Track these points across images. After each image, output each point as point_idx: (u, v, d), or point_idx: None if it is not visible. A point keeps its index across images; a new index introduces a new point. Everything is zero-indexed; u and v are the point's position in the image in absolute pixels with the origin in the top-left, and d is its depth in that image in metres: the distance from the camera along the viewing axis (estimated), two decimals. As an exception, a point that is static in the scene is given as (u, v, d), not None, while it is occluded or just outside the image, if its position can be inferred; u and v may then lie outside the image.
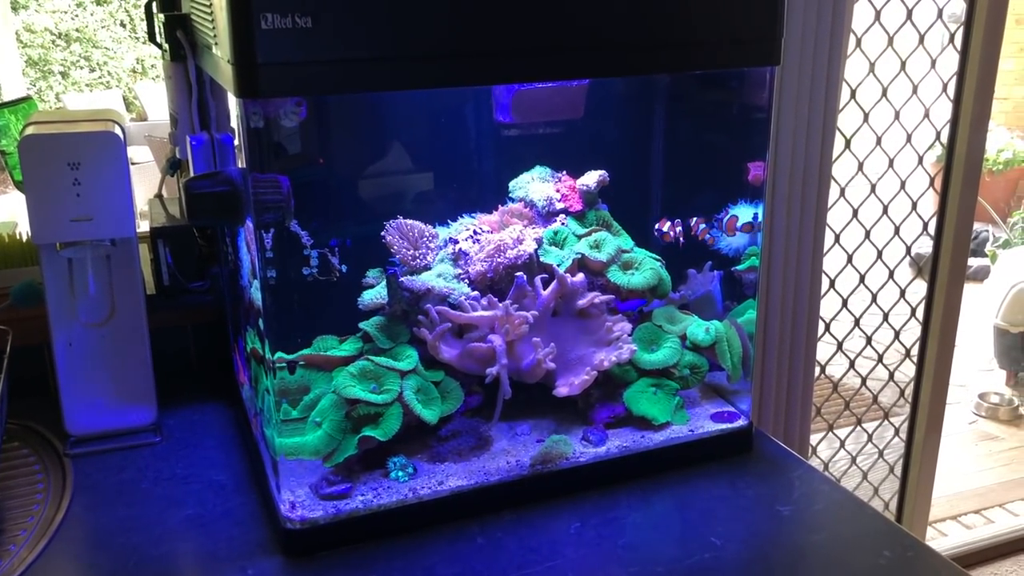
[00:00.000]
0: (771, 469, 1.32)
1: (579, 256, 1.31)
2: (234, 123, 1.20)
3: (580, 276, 1.29)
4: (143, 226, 1.54)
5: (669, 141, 1.45)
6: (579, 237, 1.33)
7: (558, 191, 1.35)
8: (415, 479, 1.20)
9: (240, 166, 1.12)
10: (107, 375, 1.37)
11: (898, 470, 2.61)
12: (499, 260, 1.26)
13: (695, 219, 1.40)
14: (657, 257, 1.36)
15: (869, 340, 2.45)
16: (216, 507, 1.23)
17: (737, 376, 1.35)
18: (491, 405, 1.28)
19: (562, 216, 1.35)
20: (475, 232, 1.30)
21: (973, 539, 2.80)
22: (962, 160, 2.28)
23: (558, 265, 1.29)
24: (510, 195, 1.38)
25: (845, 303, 2.36)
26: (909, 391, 2.54)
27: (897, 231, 2.40)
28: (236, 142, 1.28)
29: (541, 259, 1.30)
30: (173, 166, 1.50)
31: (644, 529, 1.18)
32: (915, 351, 2.50)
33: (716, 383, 1.42)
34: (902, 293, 2.46)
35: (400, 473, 1.20)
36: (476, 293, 1.27)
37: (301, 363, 1.24)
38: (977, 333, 4.27)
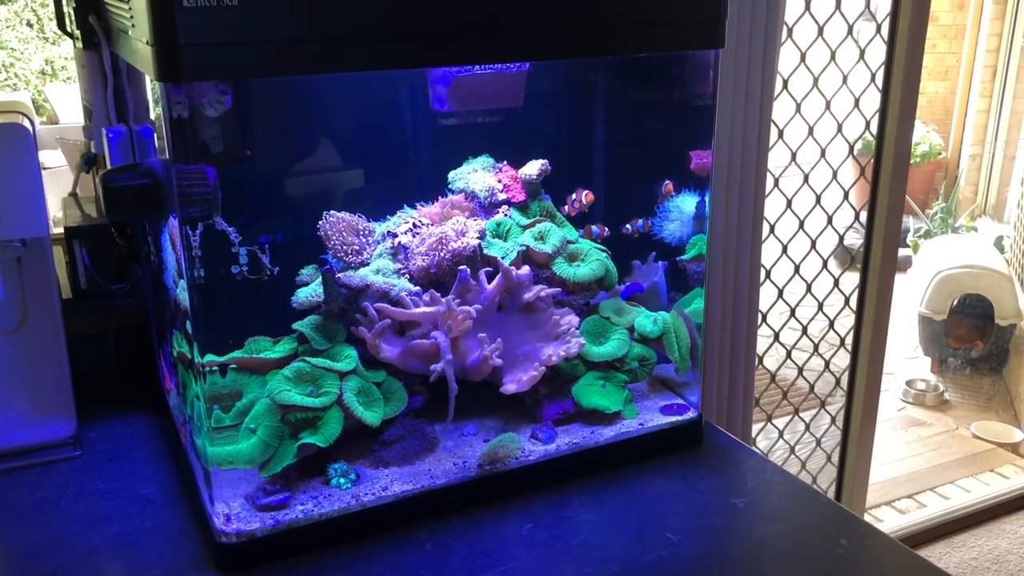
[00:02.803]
0: (723, 461, 1.29)
1: (524, 248, 1.27)
2: (154, 113, 1.13)
3: (525, 269, 1.25)
4: (59, 230, 1.44)
5: (612, 130, 1.41)
6: (523, 228, 1.29)
7: (500, 181, 1.30)
8: (358, 486, 1.14)
9: (162, 157, 1.04)
10: (20, 386, 1.28)
11: (835, 458, 2.63)
12: (441, 254, 1.21)
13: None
14: (603, 248, 1.33)
15: (805, 330, 2.47)
16: (144, 523, 1.15)
17: (685, 368, 1.33)
18: (436, 405, 1.23)
19: (505, 207, 1.31)
20: (415, 225, 1.25)
21: (908, 523, 2.85)
22: (891, 153, 2.31)
23: (502, 258, 1.24)
24: (450, 186, 1.33)
25: (781, 293, 2.37)
26: (844, 380, 2.56)
27: (830, 220, 2.42)
28: (157, 134, 1.21)
29: (484, 252, 1.25)
30: (88, 162, 1.41)
31: (598, 527, 1.14)
32: (849, 340, 2.52)
33: (664, 376, 1.39)
34: (836, 283, 2.49)
35: (342, 480, 1.14)
36: (417, 288, 1.21)
37: (232, 366, 1.17)
38: (902, 321, 4.37)
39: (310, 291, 1.19)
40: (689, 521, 1.15)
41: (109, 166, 1.23)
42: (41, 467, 1.28)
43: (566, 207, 1.34)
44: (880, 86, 2.31)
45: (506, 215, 1.30)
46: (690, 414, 1.32)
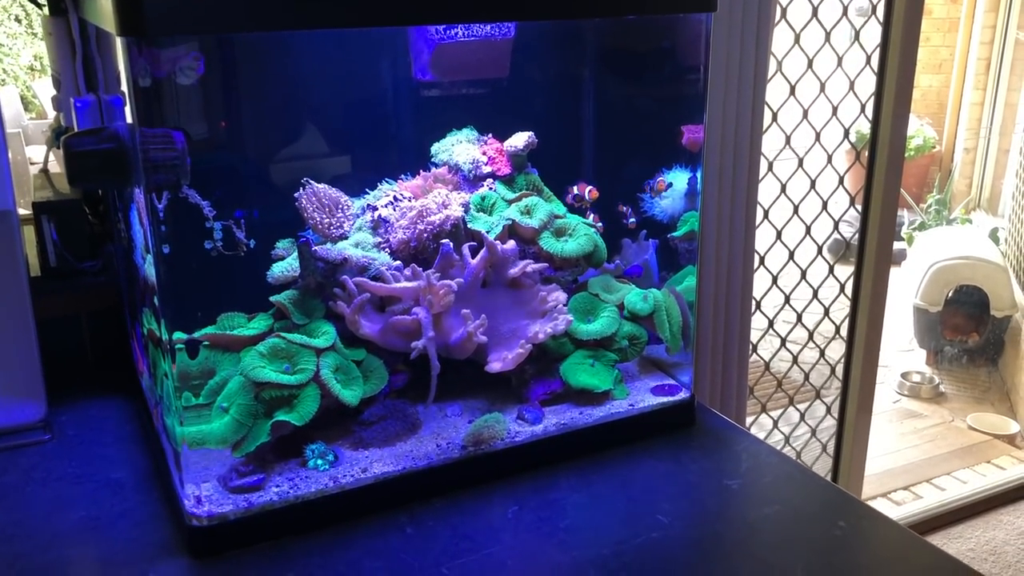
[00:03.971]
0: (715, 443, 1.25)
1: (509, 222, 1.22)
2: (124, 77, 1.08)
3: (511, 243, 1.20)
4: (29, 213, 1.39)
5: (601, 102, 1.37)
6: (508, 202, 1.24)
7: (485, 154, 1.25)
8: (336, 467, 1.09)
9: (128, 122, 1.00)
10: (-14, 367, 1.23)
11: (831, 448, 2.59)
12: (422, 227, 1.16)
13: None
14: (591, 223, 1.28)
15: (800, 318, 2.43)
16: (113, 507, 1.10)
17: (677, 347, 1.28)
18: (418, 385, 1.18)
19: (490, 180, 1.26)
20: (396, 198, 1.20)
21: (904, 515, 2.81)
22: (886, 145, 2.27)
23: (487, 232, 1.19)
24: (432, 159, 1.28)
25: (775, 280, 2.33)
26: (839, 370, 2.52)
27: (825, 206, 2.37)
28: (127, 103, 1.16)
29: (468, 226, 1.21)
30: (59, 135, 1.36)
31: (586, 510, 1.09)
32: (844, 330, 2.48)
33: (654, 356, 1.35)
34: (831, 270, 2.44)
35: (319, 461, 1.09)
36: (398, 263, 1.17)
37: (204, 343, 1.12)
38: (897, 314, 4.34)
39: (286, 265, 1.15)
40: (681, 503, 1.11)
41: (77, 137, 1.18)
42: (8, 451, 1.23)
43: (566, 199, 1.29)
44: (875, 69, 2.27)
45: (491, 189, 1.25)
46: (682, 395, 1.28)
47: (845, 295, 2.47)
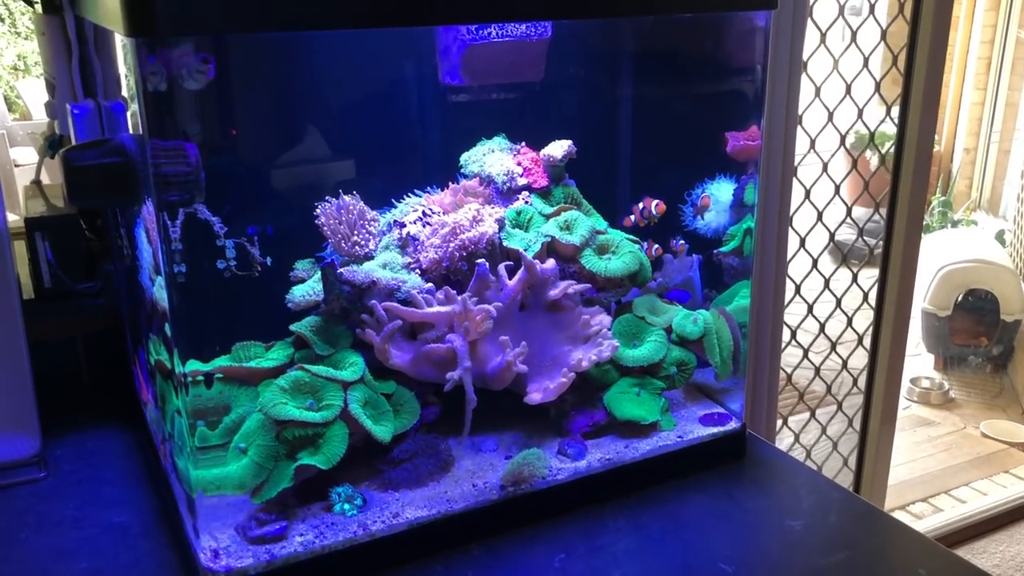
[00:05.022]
0: (769, 476, 1.16)
1: (548, 239, 1.12)
2: (127, 86, 0.97)
3: (551, 262, 1.10)
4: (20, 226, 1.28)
5: (641, 107, 1.27)
6: (546, 217, 1.14)
7: (519, 164, 1.15)
8: (365, 512, 0.99)
9: (135, 132, 0.89)
10: (-26, 399, 1.12)
11: (852, 462, 2.51)
12: (455, 245, 1.06)
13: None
14: (635, 239, 1.18)
15: (822, 328, 2.34)
16: (118, 557, 1.00)
17: (727, 373, 1.19)
18: (449, 417, 1.08)
19: (525, 193, 1.16)
20: (425, 214, 1.10)
21: (926, 529, 2.73)
22: (913, 145, 2.18)
23: (524, 250, 1.09)
24: (462, 170, 1.18)
25: (798, 289, 2.24)
26: (861, 380, 2.44)
27: (849, 212, 2.29)
28: (129, 110, 1.05)
29: (504, 243, 1.11)
30: (53, 144, 1.25)
31: (640, 557, 1.00)
32: (866, 339, 2.40)
33: (700, 381, 1.25)
34: (854, 278, 2.36)
35: (346, 506, 0.99)
36: (430, 285, 1.06)
37: (218, 376, 1.01)
38: (903, 318, 4.26)
39: (307, 288, 1.04)
40: (742, 548, 1.01)
41: (75, 147, 1.07)
42: (0, 491, 1.12)
43: (631, 217, 1.19)
44: (901, 71, 2.18)
45: (527, 202, 1.15)
46: (732, 424, 1.18)
47: (869, 304, 2.39)
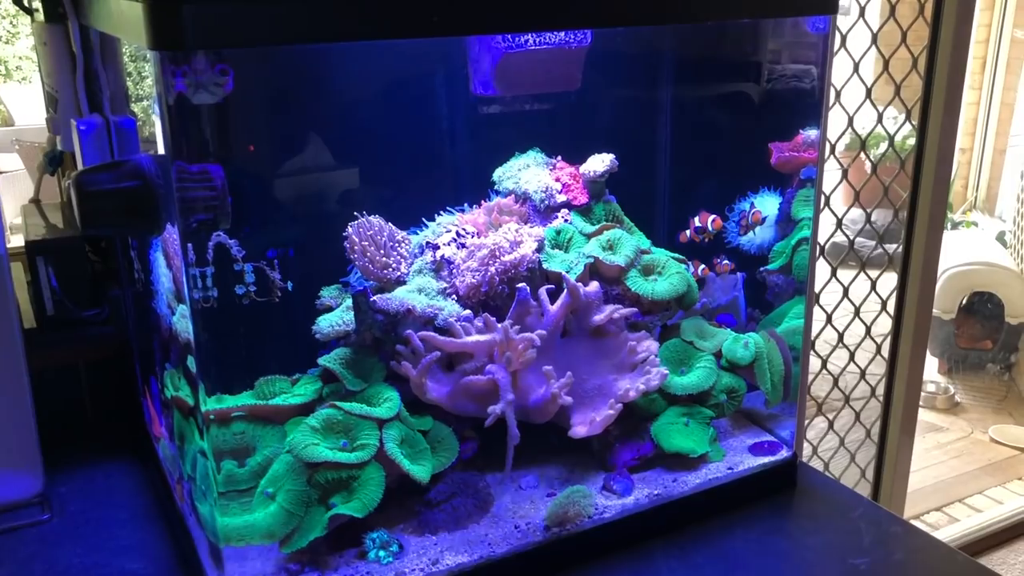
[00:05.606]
0: (825, 509, 1.09)
1: (591, 260, 1.05)
2: (135, 100, 0.90)
3: (594, 285, 1.03)
4: (16, 242, 1.20)
5: (684, 117, 1.20)
6: (587, 236, 1.07)
7: (558, 180, 1.08)
8: (401, 559, 0.92)
9: (155, 153, 0.81)
10: (-26, 437, 1.04)
11: (869, 473, 2.45)
12: (495, 269, 0.99)
13: (722, 259, 1.17)
14: (681, 258, 1.11)
15: (841, 338, 2.28)
16: (132, 611, 0.92)
17: (777, 399, 1.12)
18: (488, 454, 1.01)
19: (564, 211, 1.09)
20: (459, 234, 1.02)
21: (946, 539, 2.67)
22: (935, 147, 2.13)
23: (567, 272, 1.02)
24: (496, 187, 1.11)
25: (817, 299, 2.18)
26: (880, 390, 2.38)
27: (868, 219, 2.23)
28: (142, 126, 0.98)
29: (544, 265, 1.03)
30: (53, 161, 1.17)
31: (699, 604, 0.93)
32: (885, 348, 2.34)
33: (747, 407, 1.19)
34: (873, 285, 2.30)
35: (382, 553, 0.91)
36: (467, 312, 0.99)
37: (238, 414, 0.93)
38: (906, 321, 4.22)
39: (336, 318, 0.97)
40: (807, 591, 0.94)
41: (81, 166, 0.99)
42: (2, 535, 1.04)
43: (687, 232, 1.12)
44: (921, 74, 2.12)
45: (566, 220, 1.08)
46: (783, 453, 1.12)
47: (888, 313, 2.33)
